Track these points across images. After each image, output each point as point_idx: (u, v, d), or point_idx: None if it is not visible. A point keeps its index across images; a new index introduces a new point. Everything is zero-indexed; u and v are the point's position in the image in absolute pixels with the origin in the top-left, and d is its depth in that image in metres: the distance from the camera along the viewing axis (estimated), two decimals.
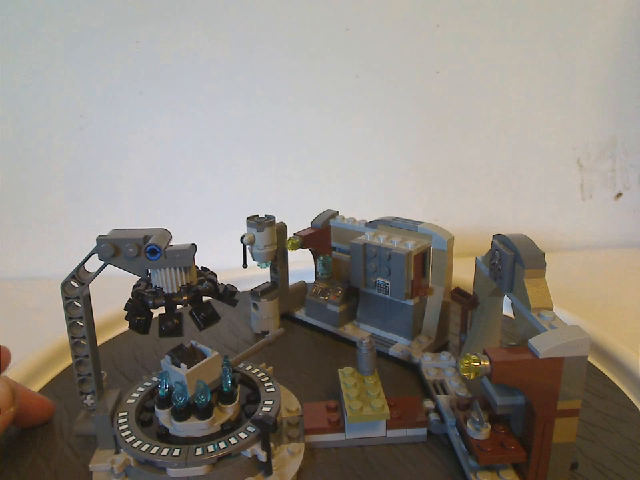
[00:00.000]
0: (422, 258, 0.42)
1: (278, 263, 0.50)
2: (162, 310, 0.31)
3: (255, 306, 0.49)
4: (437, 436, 0.34)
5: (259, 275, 0.53)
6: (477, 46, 0.70)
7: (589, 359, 0.43)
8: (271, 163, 0.74)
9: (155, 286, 0.30)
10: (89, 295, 0.33)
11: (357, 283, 0.44)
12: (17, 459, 0.34)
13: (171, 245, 0.30)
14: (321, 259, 0.50)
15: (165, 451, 0.30)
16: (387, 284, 0.42)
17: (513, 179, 0.77)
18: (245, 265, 0.46)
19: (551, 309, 0.29)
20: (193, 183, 0.74)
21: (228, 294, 0.32)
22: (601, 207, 0.79)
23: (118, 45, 0.68)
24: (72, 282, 0.32)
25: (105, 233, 0.31)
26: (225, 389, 0.32)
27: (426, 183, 0.77)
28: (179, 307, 0.31)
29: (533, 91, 0.73)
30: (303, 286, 0.53)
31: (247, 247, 0.46)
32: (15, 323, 0.51)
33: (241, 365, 0.37)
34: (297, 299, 0.52)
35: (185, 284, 0.30)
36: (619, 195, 0.79)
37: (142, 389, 0.35)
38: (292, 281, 0.52)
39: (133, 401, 0.34)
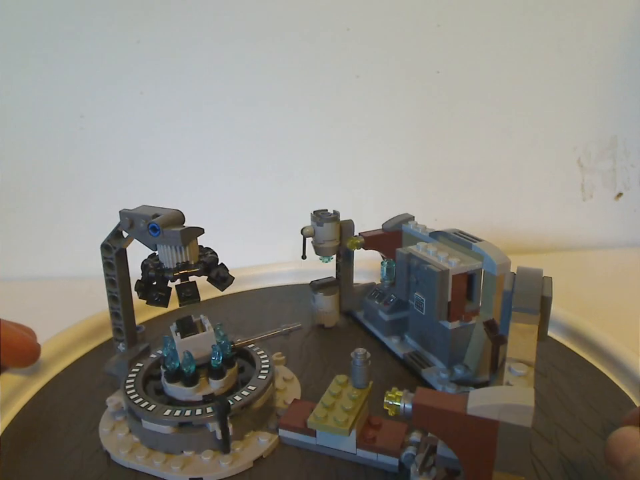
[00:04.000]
0: (467, 279, 0.38)
1: (341, 259, 0.49)
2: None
3: (314, 298, 0.49)
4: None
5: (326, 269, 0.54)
6: (477, 46, 0.70)
7: (589, 359, 0.43)
8: (269, 163, 0.74)
9: (159, 260, 0.34)
10: (124, 257, 0.38)
11: (400, 293, 0.42)
12: (49, 387, 0.40)
13: (183, 226, 0.33)
14: (385, 263, 0.48)
15: (144, 404, 0.33)
16: (423, 300, 0.39)
17: (514, 179, 0.77)
18: (303, 257, 0.47)
19: (531, 364, 0.25)
20: (194, 182, 0.74)
21: (219, 279, 0.35)
22: (602, 207, 0.79)
23: (118, 45, 0.68)
24: (108, 244, 0.37)
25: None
26: (213, 365, 0.34)
27: (426, 183, 0.77)
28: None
29: (534, 91, 0.73)
30: (371, 287, 0.52)
31: (307, 239, 0.47)
32: None
33: (256, 349, 0.39)
34: (362, 299, 0.51)
35: (181, 262, 0.33)
36: (620, 194, 0.79)
37: None
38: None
39: (155, 356, 0.38)
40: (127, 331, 0.39)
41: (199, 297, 0.34)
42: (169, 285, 0.34)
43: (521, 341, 0.25)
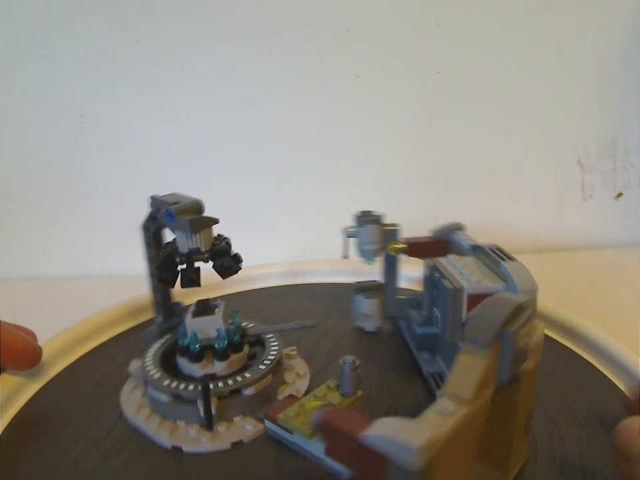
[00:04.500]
0: None
1: (385, 263, 0.47)
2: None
3: (354, 299, 0.48)
4: None
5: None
6: (477, 46, 0.70)
7: (589, 359, 0.43)
8: (269, 163, 0.74)
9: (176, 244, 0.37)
10: (160, 237, 0.42)
11: (425, 307, 0.41)
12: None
13: (197, 215, 0.36)
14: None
15: (151, 372, 0.36)
16: (439, 317, 0.37)
17: (514, 179, 0.77)
18: (345, 256, 0.47)
19: (466, 402, 0.22)
20: (194, 182, 0.74)
21: (222, 268, 0.37)
22: (602, 207, 0.79)
23: (118, 45, 0.68)
24: (146, 225, 0.41)
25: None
26: (217, 348, 0.36)
27: (426, 183, 0.77)
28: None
29: (534, 91, 0.73)
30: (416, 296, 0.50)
31: (350, 239, 0.46)
32: (15, 323, 0.51)
33: (272, 340, 0.40)
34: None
35: (192, 248, 0.36)
36: (620, 194, 0.79)
37: None
38: None
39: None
40: (163, 304, 0.44)
41: (200, 283, 0.36)
42: (178, 268, 0.37)
43: (461, 375, 0.23)
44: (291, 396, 0.36)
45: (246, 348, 0.38)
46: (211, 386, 0.34)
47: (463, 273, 0.36)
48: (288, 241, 0.76)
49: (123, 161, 0.73)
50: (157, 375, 0.36)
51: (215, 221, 0.36)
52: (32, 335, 0.41)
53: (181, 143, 0.73)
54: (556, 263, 0.71)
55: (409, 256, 0.45)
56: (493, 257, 0.37)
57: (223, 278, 0.36)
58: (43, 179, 0.73)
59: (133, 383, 0.39)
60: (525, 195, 0.78)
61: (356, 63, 0.70)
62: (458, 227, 0.45)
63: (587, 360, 0.43)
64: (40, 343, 0.42)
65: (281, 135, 0.73)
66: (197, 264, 0.37)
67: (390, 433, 0.20)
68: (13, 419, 0.37)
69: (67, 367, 0.44)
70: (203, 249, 0.36)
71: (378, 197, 0.76)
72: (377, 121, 0.73)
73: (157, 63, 0.69)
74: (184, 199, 0.38)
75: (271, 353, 0.38)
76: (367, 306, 0.48)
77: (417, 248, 0.45)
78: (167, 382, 0.35)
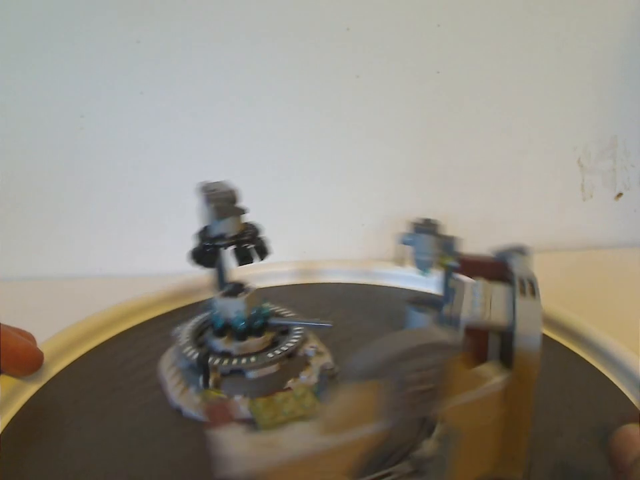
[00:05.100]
0: (486, 337, 0.33)
1: (442, 277, 0.44)
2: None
3: (406, 309, 0.47)
4: None
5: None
6: (477, 46, 0.70)
7: (589, 359, 0.43)
8: (269, 163, 0.74)
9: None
10: None
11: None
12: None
13: (230, 204, 0.39)
14: None
15: (181, 339, 0.40)
16: None
17: (513, 179, 0.77)
18: (400, 264, 0.46)
19: (328, 431, 0.20)
20: (195, 182, 0.74)
21: (241, 257, 0.40)
22: (602, 207, 0.79)
23: (118, 45, 0.68)
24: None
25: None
26: (235, 328, 0.38)
27: (426, 183, 0.77)
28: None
29: (534, 91, 0.73)
30: None
31: (404, 246, 0.45)
32: (15, 323, 0.51)
33: (297, 332, 0.41)
34: None
35: (219, 232, 0.39)
36: (620, 194, 0.79)
37: None
38: None
39: None
40: (218, 281, 0.46)
41: (214, 266, 0.41)
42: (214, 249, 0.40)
43: (334, 403, 0.20)
44: (289, 389, 0.37)
45: (268, 334, 0.40)
46: (217, 362, 0.37)
47: (476, 301, 0.33)
48: (288, 241, 0.76)
49: (123, 160, 0.73)
50: (184, 342, 0.39)
51: (242, 211, 0.39)
52: (31, 338, 0.41)
53: (181, 142, 0.72)
54: (556, 263, 0.71)
55: (461, 274, 0.40)
56: (517, 290, 0.34)
57: (239, 265, 0.39)
58: (42, 179, 0.73)
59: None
60: (525, 194, 0.78)
61: (356, 63, 0.70)
62: (519, 250, 0.41)
63: (586, 360, 0.43)
64: (39, 343, 0.42)
65: (281, 135, 0.73)
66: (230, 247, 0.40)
67: (227, 438, 0.20)
68: (12, 418, 0.37)
69: (67, 366, 0.44)
70: (228, 235, 0.39)
71: (378, 196, 0.76)
72: (377, 120, 0.73)
73: (157, 62, 0.69)
74: (222, 187, 0.41)
75: (287, 344, 0.39)
76: (419, 320, 0.45)
77: (470, 266, 0.40)
78: (187, 349, 0.38)
